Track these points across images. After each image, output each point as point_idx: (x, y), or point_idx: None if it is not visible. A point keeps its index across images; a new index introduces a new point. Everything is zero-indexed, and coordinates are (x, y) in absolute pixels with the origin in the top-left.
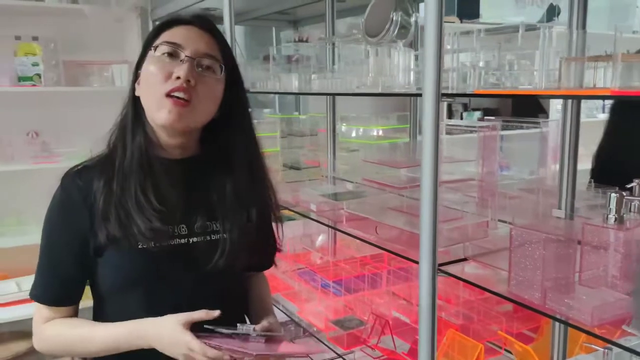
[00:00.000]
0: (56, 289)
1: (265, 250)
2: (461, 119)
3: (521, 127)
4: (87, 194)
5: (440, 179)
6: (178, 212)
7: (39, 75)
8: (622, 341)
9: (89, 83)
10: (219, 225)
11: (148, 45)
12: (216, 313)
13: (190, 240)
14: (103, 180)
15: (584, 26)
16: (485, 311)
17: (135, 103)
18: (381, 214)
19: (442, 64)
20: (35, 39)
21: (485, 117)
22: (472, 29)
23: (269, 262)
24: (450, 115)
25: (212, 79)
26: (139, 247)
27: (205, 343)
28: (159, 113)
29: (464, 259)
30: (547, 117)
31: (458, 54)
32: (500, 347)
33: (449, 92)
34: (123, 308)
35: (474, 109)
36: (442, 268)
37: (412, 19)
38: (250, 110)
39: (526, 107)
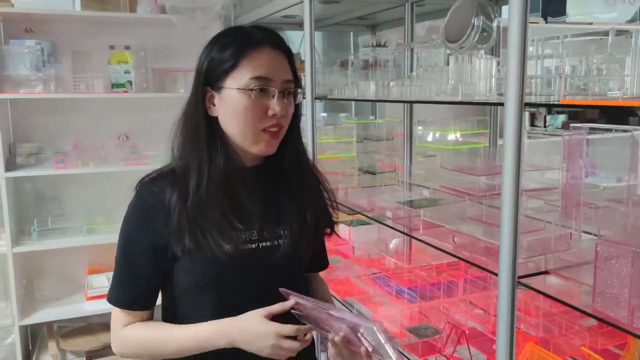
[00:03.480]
0: (136, 293)
1: (323, 251)
2: (545, 122)
3: (610, 130)
4: (161, 201)
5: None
6: (250, 218)
7: (130, 82)
8: None
9: (174, 89)
10: (282, 230)
11: (226, 69)
12: (291, 303)
13: (260, 245)
14: (176, 195)
15: None
16: (567, 325)
17: (208, 122)
18: (459, 223)
19: (526, 73)
20: (127, 47)
21: (570, 120)
22: (557, 34)
23: (326, 263)
24: (533, 118)
25: (291, 102)
26: (213, 254)
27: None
28: (256, 146)
29: (546, 272)
30: (638, 119)
31: (542, 60)
32: None
33: (532, 98)
34: (194, 308)
35: (559, 112)
36: (522, 280)
37: (494, 24)
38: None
39: (615, 110)
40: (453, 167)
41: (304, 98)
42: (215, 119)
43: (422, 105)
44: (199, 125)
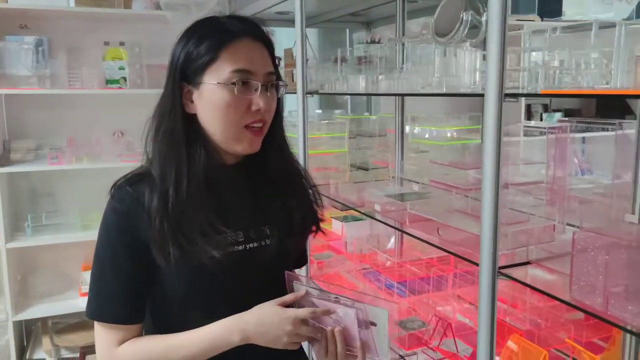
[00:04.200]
0: (129, 303)
1: (305, 248)
2: (541, 120)
3: (606, 129)
4: (140, 203)
5: (508, 181)
6: (235, 219)
7: (124, 78)
8: None
9: None
10: (269, 229)
11: (204, 63)
12: (302, 292)
13: (247, 247)
14: (156, 200)
15: None
16: (553, 318)
17: (186, 119)
18: (445, 216)
19: (506, 63)
20: (122, 44)
21: (561, 119)
22: (546, 28)
23: (305, 259)
24: (529, 116)
25: (274, 96)
26: (200, 261)
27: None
28: (239, 144)
29: (527, 263)
30: (635, 118)
31: (529, 53)
32: (568, 356)
33: (519, 91)
34: (184, 316)
35: (555, 110)
36: (504, 271)
37: (483, 19)
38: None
39: (611, 108)
40: (442, 161)
41: (285, 92)
42: (194, 117)
43: (415, 101)
44: (177, 123)
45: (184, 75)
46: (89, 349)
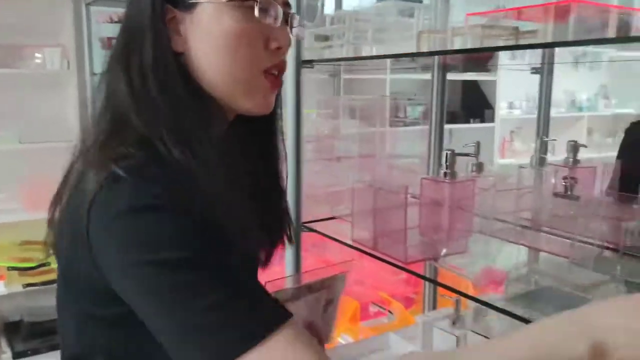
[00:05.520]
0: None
1: None
2: (405, 112)
3: (469, 122)
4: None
5: (341, 155)
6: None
7: None
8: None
9: (19, 66)
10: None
11: None
12: None
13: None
14: (187, 188)
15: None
16: (380, 278)
17: (180, 69)
18: None
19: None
20: None
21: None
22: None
23: None
24: (396, 109)
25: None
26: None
27: None
28: (249, 98)
29: (332, 218)
30: (493, 112)
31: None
32: (385, 309)
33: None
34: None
35: (418, 104)
36: (309, 225)
37: (319, 3)
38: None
39: (474, 105)
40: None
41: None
42: (181, 58)
43: None
44: (169, 64)
45: None
46: None
